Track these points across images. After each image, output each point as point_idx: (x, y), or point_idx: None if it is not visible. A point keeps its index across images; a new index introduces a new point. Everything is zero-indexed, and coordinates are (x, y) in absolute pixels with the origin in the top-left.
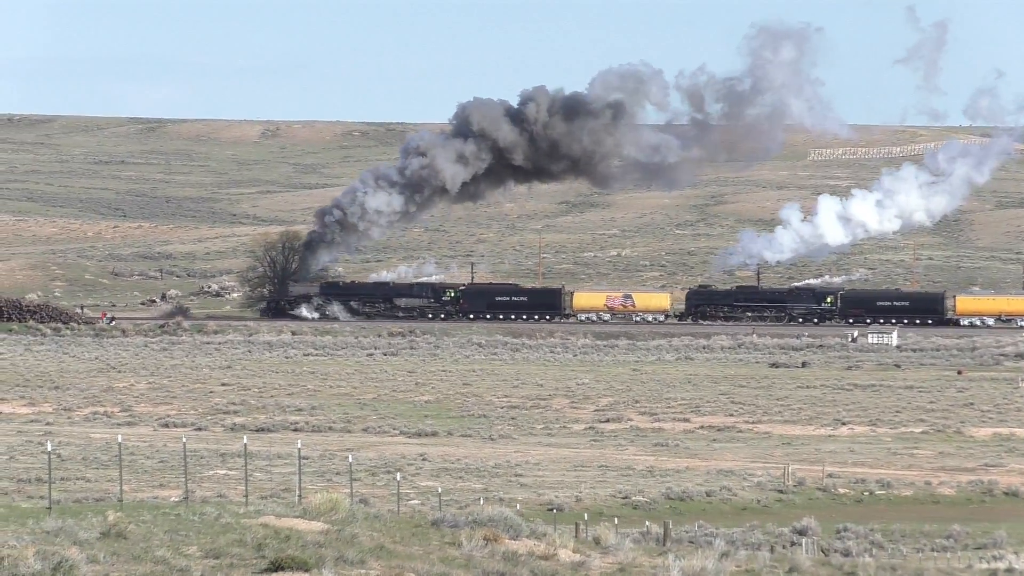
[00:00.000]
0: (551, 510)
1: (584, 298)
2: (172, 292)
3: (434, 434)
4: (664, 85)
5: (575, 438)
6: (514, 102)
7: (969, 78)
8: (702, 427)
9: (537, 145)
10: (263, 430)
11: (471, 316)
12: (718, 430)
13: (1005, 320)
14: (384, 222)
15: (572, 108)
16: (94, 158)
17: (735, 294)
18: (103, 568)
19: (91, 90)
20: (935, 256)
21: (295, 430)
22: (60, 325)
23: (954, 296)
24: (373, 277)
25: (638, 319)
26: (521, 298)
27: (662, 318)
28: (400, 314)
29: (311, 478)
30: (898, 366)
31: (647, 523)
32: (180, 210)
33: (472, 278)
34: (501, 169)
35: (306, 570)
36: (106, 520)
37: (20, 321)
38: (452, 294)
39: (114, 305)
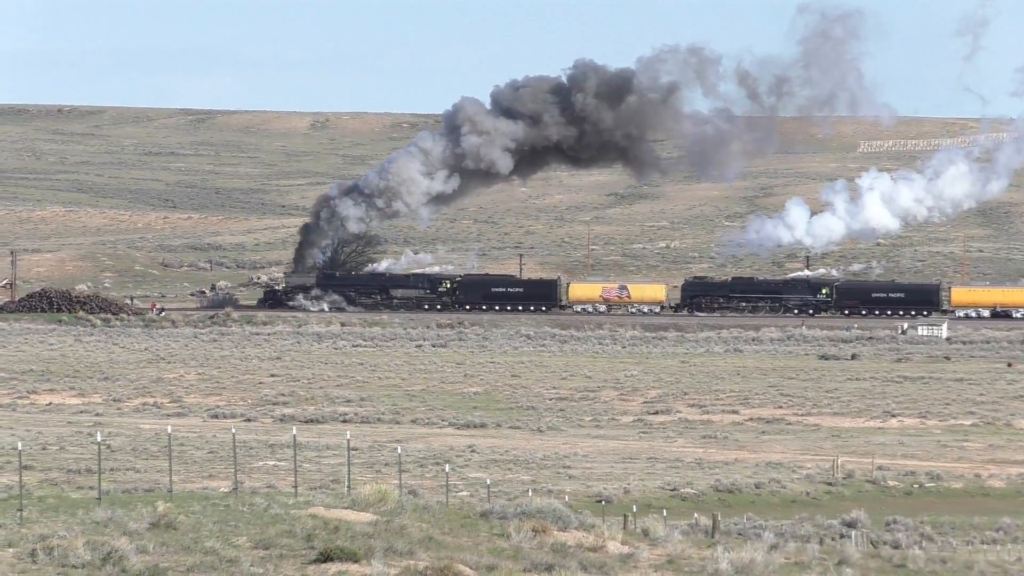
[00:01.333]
0: (600, 502)
1: (580, 289)
2: (221, 283)
3: (483, 426)
4: (717, 68)
5: (624, 430)
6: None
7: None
8: (751, 419)
9: (582, 126)
10: (312, 421)
11: (467, 307)
12: (767, 422)
13: (1001, 312)
14: (419, 202)
15: (620, 87)
16: (144, 149)
17: (731, 285)
18: (152, 559)
19: (141, 81)
20: (984, 248)
21: (344, 421)
22: (110, 316)
23: (950, 287)
24: (369, 268)
25: (633, 310)
26: (517, 289)
27: (658, 309)
28: (396, 304)
29: (360, 469)
30: (948, 358)
31: (696, 515)
32: (230, 201)
33: (521, 271)
34: (543, 152)
35: (355, 561)
36: (156, 511)
37: (70, 312)
38: (448, 285)
39: (164, 296)
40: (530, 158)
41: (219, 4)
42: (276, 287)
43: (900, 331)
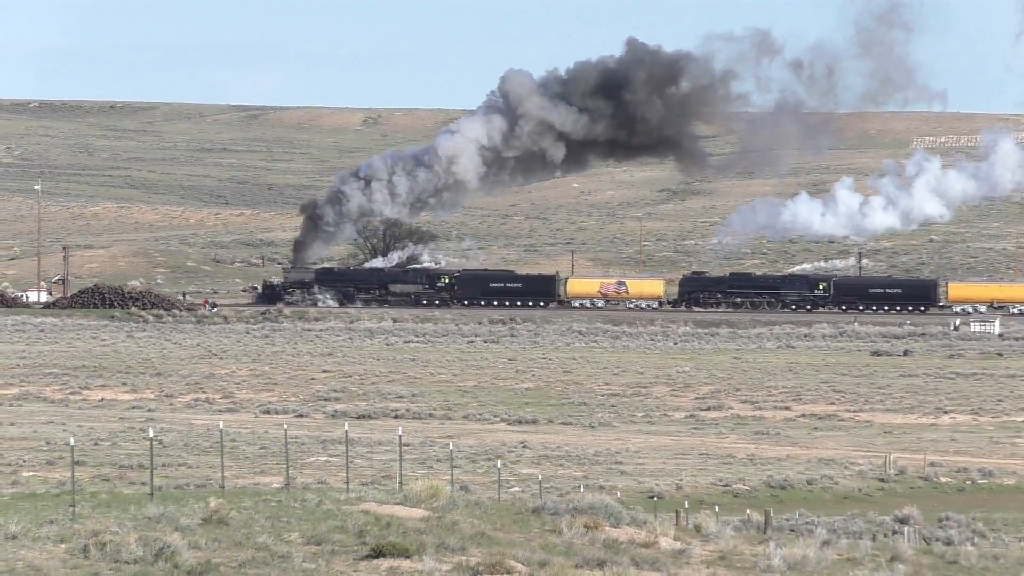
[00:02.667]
0: (651, 498)
1: (578, 284)
2: (273, 279)
3: (534, 422)
4: (775, 55)
5: (675, 426)
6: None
7: None
8: (803, 415)
9: (633, 115)
10: (364, 417)
11: (465, 302)
12: (819, 418)
13: (998, 307)
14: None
15: (674, 73)
16: (196, 145)
17: (728, 280)
18: (205, 554)
19: (193, 77)
20: None
21: (396, 417)
22: (162, 312)
23: (946, 283)
24: (367, 264)
25: (631, 305)
26: (516, 284)
27: (656, 305)
28: (394, 300)
29: (412, 465)
30: (1000, 354)
31: (748, 511)
32: (281, 197)
33: (572, 268)
34: (591, 144)
35: (407, 557)
36: (208, 506)
37: (122, 308)
38: (447, 280)
39: (215, 292)
40: (578, 149)
41: (272, 1)
42: (273, 282)
43: (952, 327)
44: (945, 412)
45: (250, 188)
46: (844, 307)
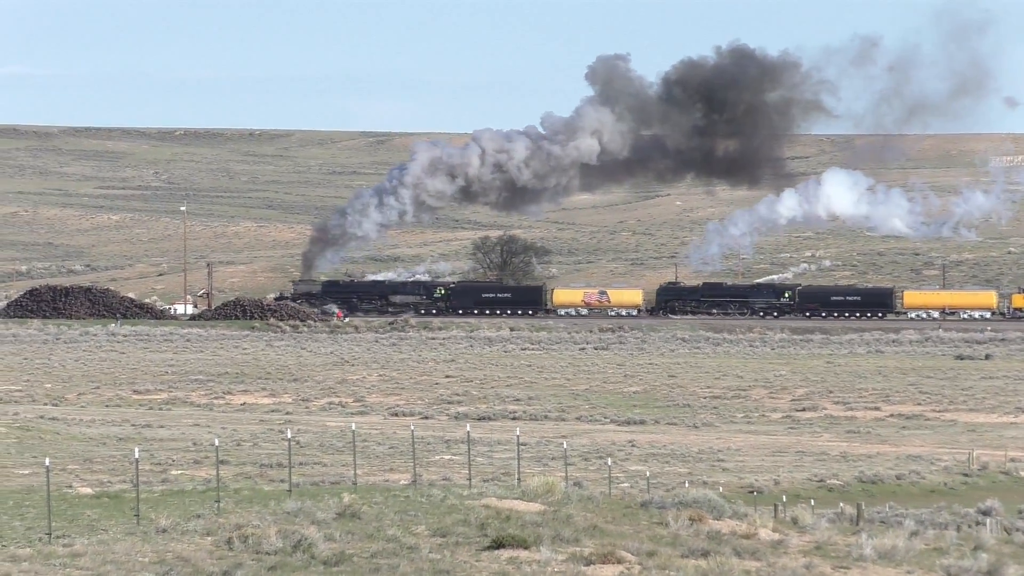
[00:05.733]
0: (751, 492)
1: (563, 294)
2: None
3: (642, 422)
4: (874, 64)
5: (773, 426)
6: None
7: None
8: (892, 415)
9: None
10: (484, 419)
11: (460, 312)
12: (907, 418)
13: (949, 313)
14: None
15: (775, 79)
16: (328, 169)
17: (701, 290)
18: (339, 546)
19: (325, 106)
20: None
21: (514, 418)
22: (298, 323)
23: (902, 291)
24: (370, 277)
25: (613, 313)
26: (506, 295)
27: (635, 312)
28: (394, 309)
29: (529, 463)
30: None
31: (841, 504)
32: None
33: (676, 279)
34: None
35: (525, 547)
36: (341, 502)
37: (262, 319)
38: (442, 291)
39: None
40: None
41: (399, 33)
42: (285, 294)
43: None
44: None
45: None
46: (808, 313)
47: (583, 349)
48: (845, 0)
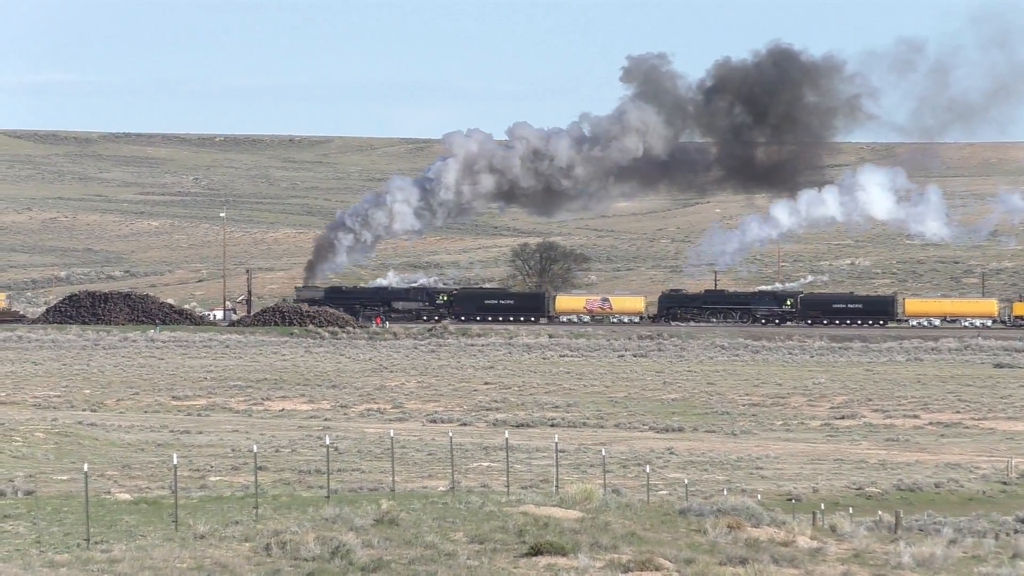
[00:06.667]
0: (790, 500)
1: (565, 301)
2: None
3: (680, 430)
4: (915, 69)
5: (812, 433)
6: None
7: None
8: (931, 423)
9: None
10: (523, 425)
11: (462, 318)
12: (946, 426)
13: (950, 321)
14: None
15: (817, 83)
16: (368, 175)
17: (703, 297)
18: (377, 552)
19: (365, 112)
20: None
21: (552, 425)
22: (337, 329)
23: (903, 299)
24: (372, 283)
25: (615, 320)
26: (508, 301)
27: (637, 319)
28: (396, 316)
29: (567, 470)
30: None
31: (879, 512)
32: (446, 222)
33: (715, 285)
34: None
35: (563, 554)
36: (380, 508)
37: (300, 325)
38: (445, 298)
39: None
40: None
41: (437, 40)
42: (288, 300)
43: None
44: None
45: None
46: (810, 321)
47: (622, 356)
48: (881, 2)
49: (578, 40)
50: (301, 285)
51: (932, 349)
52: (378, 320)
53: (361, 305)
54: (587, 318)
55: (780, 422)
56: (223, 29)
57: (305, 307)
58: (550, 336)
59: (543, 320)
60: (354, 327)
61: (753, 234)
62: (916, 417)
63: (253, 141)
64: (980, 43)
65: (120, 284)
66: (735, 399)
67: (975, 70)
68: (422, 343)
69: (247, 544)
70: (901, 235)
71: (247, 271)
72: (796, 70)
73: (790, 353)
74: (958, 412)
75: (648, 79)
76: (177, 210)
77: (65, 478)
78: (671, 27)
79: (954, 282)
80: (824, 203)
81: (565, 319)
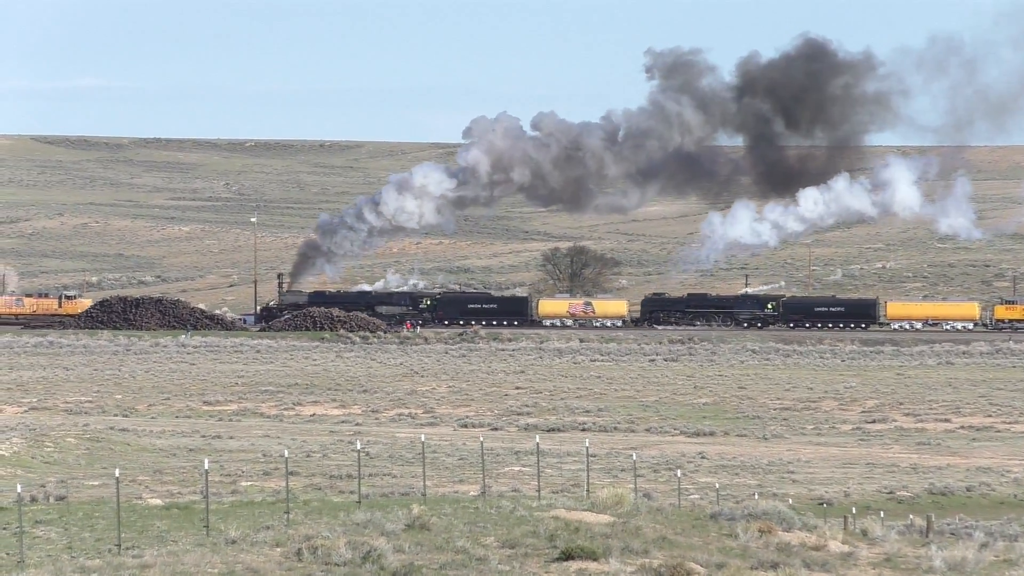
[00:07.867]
0: (821, 504)
1: (549, 305)
2: (270, 303)
3: (712, 434)
4: (949, 71)
5: (843, 438)
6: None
7: None
8: (962, 427)
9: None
10: (554, 430)
11: (446, 322)
12: (977, 430)
13: (931, 324)
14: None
15: (849, 81)
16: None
17: (686, 301)
18: (408, 557)
19: (395, 117)
20: None
21: (583, 430)
22: (368, 333)
23: (885, 302)
24: (356, 288)
25: (598, 324)
26: (492, 306)
27: (620, 323)
28: (380, 320)
29: (598, 474)
30: None
31: (911, 516)
32: (477, 227)
33: (746, 288)
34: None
35: (595, 559)
36: (411, 513)
37: (332, 330)
38: (428, 302)
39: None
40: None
41: (466, 47)
42: (271, 305)
43: None
44: None
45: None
46: (792, 324)
47: (652, 360)
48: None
49: (605, 42)
50: (284, 290)
51: (964, 353)
52: (408, 325)
53: (346, 309)
54: (571, 322)
55: (811, 426)
56: (254, 35)
57: (284, 313)
58: (581, 341)
59: (526, 324)
60: (385, 332)
61: (743, 232)
62: (947, 421)
63: (284, 146)
64: (1011, 40)
65: (151, 289)
66: (766, 403)
67: (1007, 68)
68: (453, 348)
69: (278, 549)
70: (932, 238)
71: (278, 276)
72: (828, 68)
73: (821, 357)
74: (990, 416)
75: (676, 71)
76: (208, 215)
77: (96, 483)
78: (696, 23)
79: (985, 285)
80: (852, 194)
81: (548, 323)
